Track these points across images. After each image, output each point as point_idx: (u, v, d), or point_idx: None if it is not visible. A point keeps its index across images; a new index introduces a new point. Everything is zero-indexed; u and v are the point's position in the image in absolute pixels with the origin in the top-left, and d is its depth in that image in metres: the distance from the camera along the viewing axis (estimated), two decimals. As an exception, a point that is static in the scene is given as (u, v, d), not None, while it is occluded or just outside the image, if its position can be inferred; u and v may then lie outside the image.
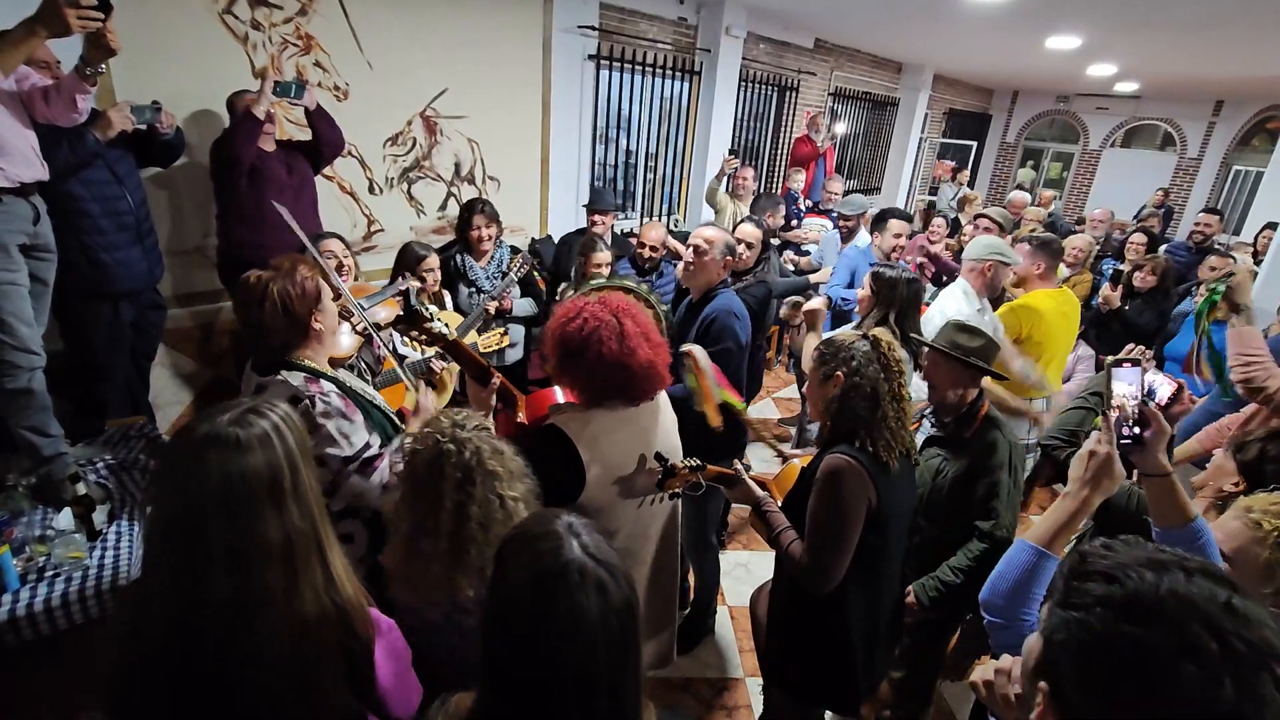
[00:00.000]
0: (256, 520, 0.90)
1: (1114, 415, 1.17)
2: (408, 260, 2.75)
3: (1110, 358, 1.23)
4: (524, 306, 3.19)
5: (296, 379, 1.54)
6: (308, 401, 1.52)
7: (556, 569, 0.76)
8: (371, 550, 1.84)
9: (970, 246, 2.83)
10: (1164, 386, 1.64)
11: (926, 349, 1.95)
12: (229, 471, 0.88)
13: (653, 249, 3.36)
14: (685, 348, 1.94)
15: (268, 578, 0.90)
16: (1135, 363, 1.21)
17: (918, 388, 2.17)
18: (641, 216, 5.67)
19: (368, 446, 1.58)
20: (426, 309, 1.57)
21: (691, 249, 2.33)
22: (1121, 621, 0.65)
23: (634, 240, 3.59)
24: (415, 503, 1.24)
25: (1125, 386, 1.20)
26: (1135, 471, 1.38)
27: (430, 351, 2.25)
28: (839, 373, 1.53)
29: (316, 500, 0.98)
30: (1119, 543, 0.73)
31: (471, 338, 2.84)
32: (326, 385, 1.57)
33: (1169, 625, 0.63)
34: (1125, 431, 1.17)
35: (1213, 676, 0.60)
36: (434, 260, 2.80)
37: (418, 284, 2.65)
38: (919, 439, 1.96)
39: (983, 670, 0.92)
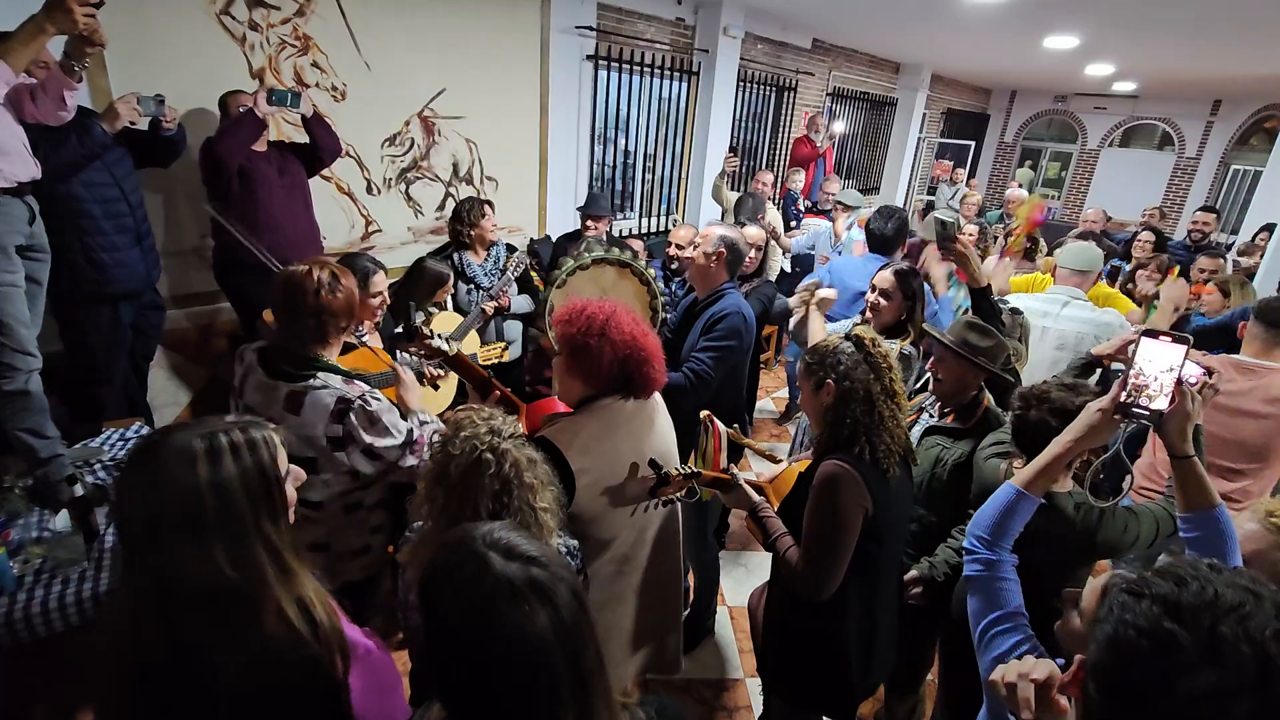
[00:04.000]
0: (200, 542, 0.86)
1: (1129, 380, 1.15)
2: (427, 281, 2.70)
3: (1146, 327, 1.21)
4: (521, 304, 3.21)
5: (336, 382, 1.55)
6: (360, 402, 1.53)
7: (486, 595, 0.73)
8: (391, 540, 1.87)
9: (1075, 256, 2.82)
10: (1191, 370, 1.64)
11: (935, 344, 1.96)
12: (187, 487, 0.85)
13: (678, 247, 3.35)
14: (705, 413, 1.87)
15: (221, 603, 0.87)
16: (1183, 340, 1.14)
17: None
18: (640, 217, 5.67)
19: (410, 430, 1.63)
20: (428, 323, 1.58)
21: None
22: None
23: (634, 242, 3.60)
24: (448, 508, 1.22)
25: (1152, 359, 1.14)
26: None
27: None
28: (829, 380, 1.51)
29: (273, 526, 0.92)
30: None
31: (473, 341, 2.84)
32: (361, 384, 1.60)
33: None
34: (1142, 401, 1.14)
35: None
36: (451, 281, 2.79)
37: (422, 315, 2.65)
38: (918, 430, 1.97)
39: (1004, 669, 0.91)
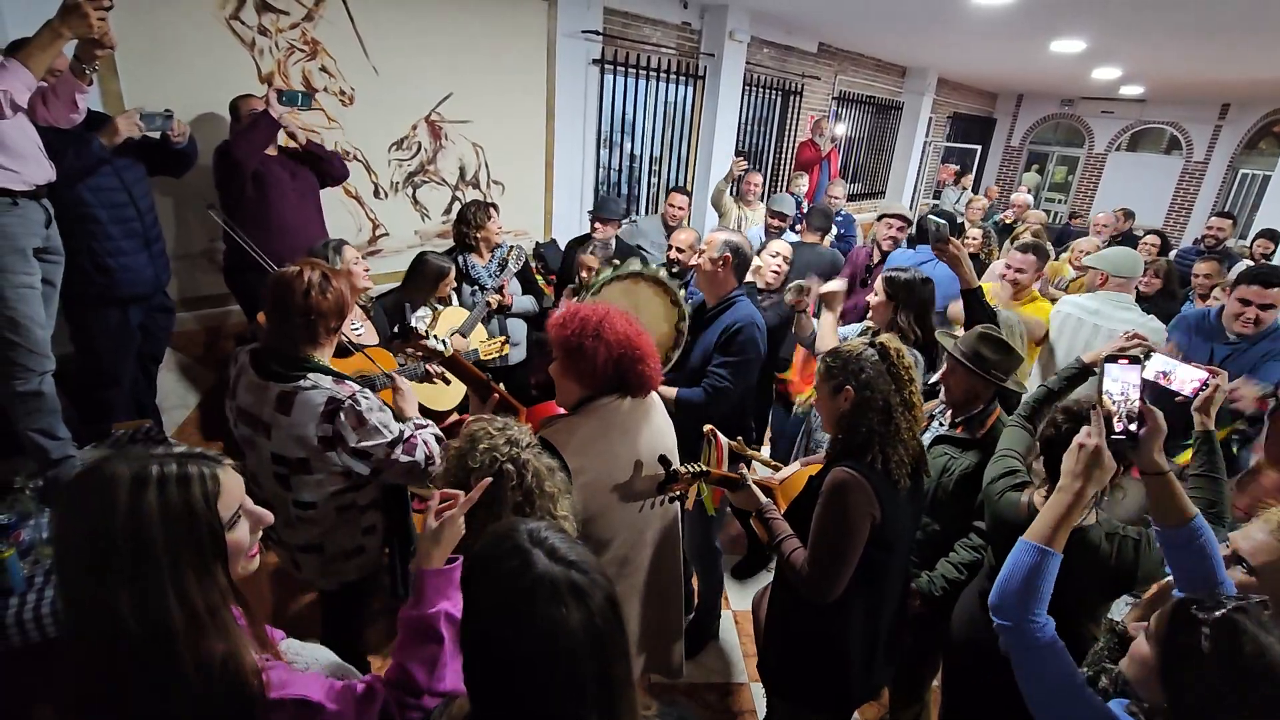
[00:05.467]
0: (105, 583, 0.79)
1: (1104, 409, 1.18)
2: (429, 275, 2.73)
3: (1107, 352, 1.23)
4: (524, 304, 3.23)
5: (327, 383, 1.56)
6: (350, 402, 1.54)
7: (525, 591, 0.75)
8: (386, 541, 1.88)
9: (1120, 262, 2.80)
10: (1190, 375, 1.67)
11: (946, 355, 1.95)
12: (100, 518, 0.79)
13: (679, 250, 3.35)
14: (708, 427, 1.85)
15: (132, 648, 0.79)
16: (1135, 360, 1.20)
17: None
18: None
19: (401, 429, 1.64)
20: (434, 322, 1.57)
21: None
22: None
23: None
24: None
25: (1119, 382, 1.19)
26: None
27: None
28: (849, 386, 1.49)
29: (196, 576, 0.82)
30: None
31: (479, 334, 2.85)
32: (352, 384, 1.60)
33: None
34: (1119, 427, 1.18)
35: None
36: (453, 274, 2.81)
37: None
38: (927, 437, 1.96)
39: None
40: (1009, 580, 1.13)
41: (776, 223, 4.29)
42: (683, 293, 2.55)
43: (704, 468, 1.58)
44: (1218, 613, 0.88)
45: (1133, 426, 1.18)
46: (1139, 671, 1.00)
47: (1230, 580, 1.20)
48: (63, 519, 0.84)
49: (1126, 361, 1.19)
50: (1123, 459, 1.23)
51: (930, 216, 2.29)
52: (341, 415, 1.53)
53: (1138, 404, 1.18)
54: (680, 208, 4.26)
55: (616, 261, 2.85)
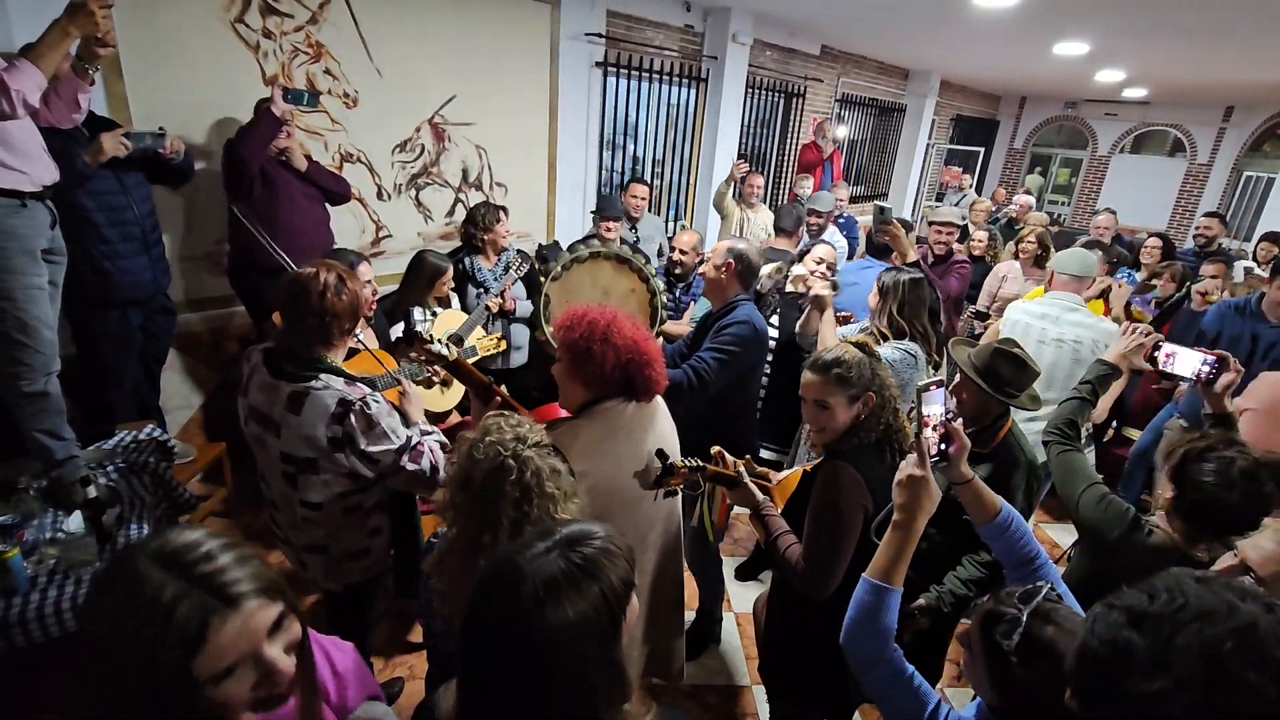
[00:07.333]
0: None
1: (931, 437, 1.21)
2: (426, 272, 2.74)
3: (920, 382, 1.25)
4: (527, 308, 3.22)
5: (339, 384, 1.56)
6: (360, 404, 1.54)
7: (512, 587, 0.79)
8: (392, 542, 1.89)
9: (1072, 262, 2.79)
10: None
11: (959, 369, 1.94)
12: None
13: (681, 252, 3.33)
14: (716, 449, 1.84)
15: None
16: (940, 384, 1.26)
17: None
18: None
19: (409, 436, 1.63)
20: (430, 324, 1.57)
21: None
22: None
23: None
24: (473, 514, 1.19)
25: (935, 407, 1.24)
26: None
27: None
28: (871, 392, 1.56)
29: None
30: None
31: (478, 334, 2.86)
32: (363, 386, 1.60)
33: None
34: (934, 451, 1.23)
35: None
36: (450, 273, 2.82)
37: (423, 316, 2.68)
38: None
39: None
40: (854, 620, 1.16)
41: (814, 220, 4.27)
42: (651, 268, 2.53)
43: (700, 463, 1.58)
44: (1016, 634, 0.97)
45: (944, 447, 1.25)
46: (968, 673, 1.10)
47: (1044, 551, 1.28)
48: None
49: (935, 387, 1.24)
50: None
51: (876, 203, 2.38)
52: (352, 417, 1.53)
53: (943, 425, 1.25)
54: (640, 198, 4.18)
55: (580, 246, 2.84)
